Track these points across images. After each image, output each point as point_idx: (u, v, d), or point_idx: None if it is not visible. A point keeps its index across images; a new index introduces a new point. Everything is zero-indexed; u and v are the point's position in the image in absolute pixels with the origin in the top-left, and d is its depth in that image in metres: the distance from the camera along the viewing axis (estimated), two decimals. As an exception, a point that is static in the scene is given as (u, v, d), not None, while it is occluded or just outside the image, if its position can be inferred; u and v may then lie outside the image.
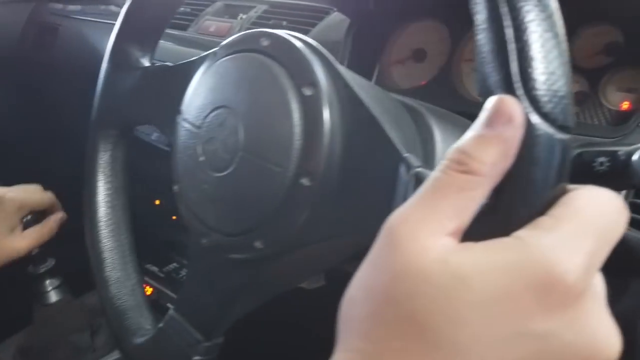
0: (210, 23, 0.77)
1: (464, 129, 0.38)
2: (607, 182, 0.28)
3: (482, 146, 0.20)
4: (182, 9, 0.82)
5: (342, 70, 0.30)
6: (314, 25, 0.67)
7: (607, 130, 0.45)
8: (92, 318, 0.70)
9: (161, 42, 0.47)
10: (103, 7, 1.10)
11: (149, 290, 0.77)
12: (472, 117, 0.42)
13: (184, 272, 0.78)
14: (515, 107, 0.20)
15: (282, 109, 0.30)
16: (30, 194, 0.65)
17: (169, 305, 0.72)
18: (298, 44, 0.31)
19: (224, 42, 0.35)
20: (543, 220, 0.20)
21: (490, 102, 0.20)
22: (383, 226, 0.21)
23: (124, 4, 1.10)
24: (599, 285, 0.20)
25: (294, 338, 0.70)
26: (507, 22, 0.20)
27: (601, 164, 0.27)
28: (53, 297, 0.66)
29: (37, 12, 1.16)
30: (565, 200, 0.20)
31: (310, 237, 0.30)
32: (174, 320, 0.38)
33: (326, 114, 0.29)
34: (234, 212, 0.32)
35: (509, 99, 0.20)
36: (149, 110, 0.42)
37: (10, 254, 0.62)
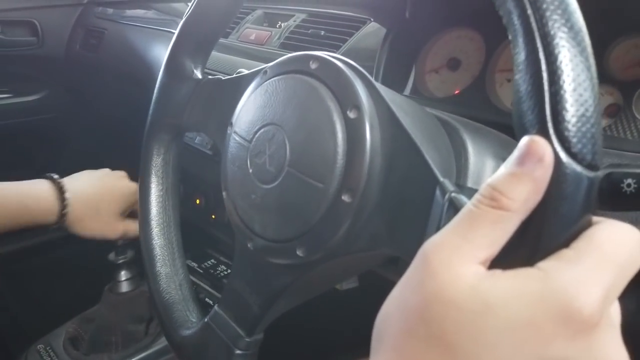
0: (251, 31, 0.80)
1: (496, 142, 0.40)
2: (635, 203, 0.29)
3: (514, 184, 0.21)
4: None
5: (384, 92, 0.32)
6: (351, 34, 0.69)
7: (639, 144, 0.46)
8: (149, 308, 0.74)
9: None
10: (144, 11, 1.15)
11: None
12: (505, 127, 0.43)
13: (221, 269, 0.81)
14: (545, 148, 0.21)
15: (328, 129, 0.32)
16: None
17: (207, 299, 0.76)
18: (344, 67, 0.33)
19: (274, 62, 0.38)
20: (566, 253, 0.21)
21: (523, 142, 0.21)
22: (419, 251, 0.23)
23: (164, 9, 1.14)
24: (615, 313, 0.22)
25: (327, 334, 0.73)
26: (543, 66, 0.21)
27: (629, 185, 0.29)
28: (124, 287, 0.70)
29: (84, 16, 1.22)
30: (588, 234, 0.21)
31: (348, 248, 0.32)
32: (219, 315, 0.41)
33: (368, 136, 0.31)
34: (279, 221, 0.35)
35: (540, 140, 0.21)
36: (200, 119, 0.45)
37: (105, 234, 0.67)
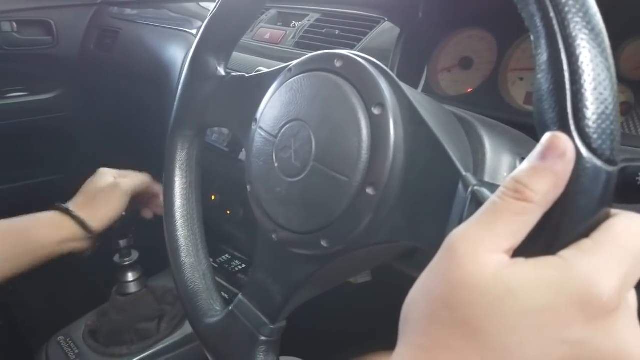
0: (265, 30, 0.81)
1: (512, 139, 0.41)
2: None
3: (536, 177, 0.22)
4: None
5: (407, 90, 0.34)
6: (365, 34, 0.70)
7: (651, 141, 0.47)
8: (159, 304, 0.76)
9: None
10: (158, 11, 1.16)
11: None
12: (517, 125, 0.45)
13: (235, 264, 0.83)
14: (567, 144, 0.22)
15: (352, 125, 0.33)
16: (139, 180, 0.71)
17: (223, 294, 0.77)
18: (368, 66, 0.34)
19: (299, 60, 0.39)
20: (585, 243, 0.22)
21: (546, 138, 0.22)
22: (445, 241, 0.24)
23: (176, 9, 1.15)
24: (632, 300, 0.23)
25: (343, 324, 0.74)
26: (565, 67, 0.22)
27: (643, 178, 0.30)
28: (132, 288, 0.71)
29: (98, 16, 1.23)
30: (606, 226, 0.23)
31: (372, 239, 0.34)
32: (243, 304, 0.42)
33: (392, 132, 0.32)
34: (304, 214, 0.36)
35: (562, 136, 0.22)
36: (223, 115, 0.47)
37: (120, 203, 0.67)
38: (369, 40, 0.70)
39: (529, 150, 0.40)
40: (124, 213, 0.68)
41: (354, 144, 0.33)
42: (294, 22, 0.80)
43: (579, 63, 0.22)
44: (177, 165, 0.49)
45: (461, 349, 0.22)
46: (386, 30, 0.69)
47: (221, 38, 0.47)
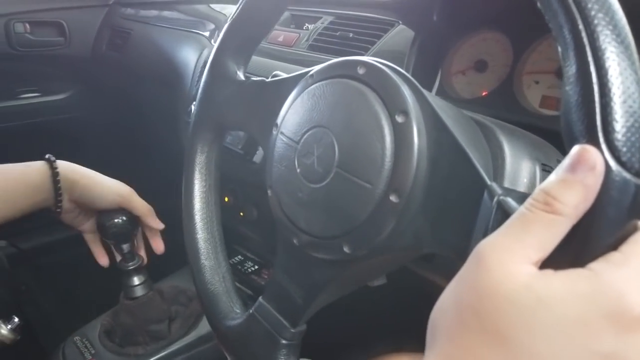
0: (279, 33, 0.81)
1: (531, 144, 0.41)
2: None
3: (565, 190, 0.23)
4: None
5: (429, 97, 0.34)
6: (379, 37, 0.70)
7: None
8: (169, 306, 0.76)
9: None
10: (169, 13, 1.17)
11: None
12: (533, 128, 0.44)
13: (248, 265, 0.83)
14: (597, 157, 0.22)
15: (376, 133, 0.33)
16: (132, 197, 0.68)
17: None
18: (391, 73, 0.35)
19: (320, 67, 0.39)
20: (614, 255, 0.23)
21: (575, 150, 0.23)
22: (474, 251, 0.24)
23: (187, 11, 1.15)
24: None
25: (358, 327, 0.74)
26: (594, 79, 0.23)
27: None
28: (139, 291, 0.71)
29: (110, 17, 1.24)
30: (634, 238, 0.23)
31: (394, 246, 0.34)
32: (263, 307, 0.43)
33: (416, 140, 0.32)
34: (327, 219, 0.36)
35: (591, 149, 0.22)
36: (243, 119, 0.47)
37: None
38: (383, 43, 0.70)
39: (548, 155, 0.41)
40: (123, 218, 0.67)
41: (378, 151, 0.33)
42: (307, 24, 0.80)
43: (608, 76, 0.22)
44: (197, 169, 0.49)
45: (490, 358, 0.22)
46: (400, 33, 0.69)
47: (241, 42, 0.48)
